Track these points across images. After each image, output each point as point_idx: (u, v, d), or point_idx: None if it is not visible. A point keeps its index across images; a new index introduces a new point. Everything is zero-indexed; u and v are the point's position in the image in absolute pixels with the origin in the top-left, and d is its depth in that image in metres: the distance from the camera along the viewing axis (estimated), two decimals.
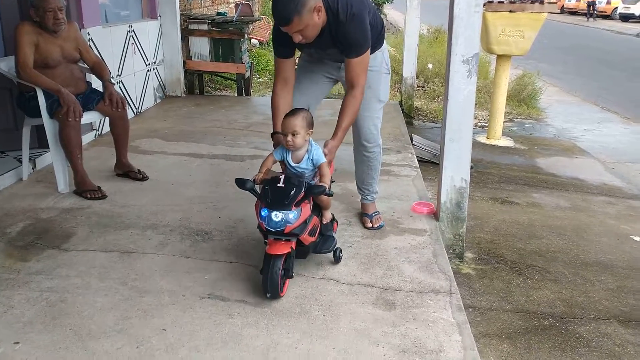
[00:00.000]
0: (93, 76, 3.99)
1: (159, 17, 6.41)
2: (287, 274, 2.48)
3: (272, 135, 2.75)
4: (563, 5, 32.90)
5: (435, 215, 3.42)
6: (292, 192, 2.39)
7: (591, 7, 29.27)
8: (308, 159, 2.58)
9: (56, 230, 3.11)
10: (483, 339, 2.68)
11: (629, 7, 27.85)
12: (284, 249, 2.39)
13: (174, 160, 4.38)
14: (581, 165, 5.93)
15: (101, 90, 3.84)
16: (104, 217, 3.28)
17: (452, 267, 2.90)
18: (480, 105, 8.18)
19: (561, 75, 12.08)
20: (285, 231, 2.37)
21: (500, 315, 2.94)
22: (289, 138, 2.51)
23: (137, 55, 5.83)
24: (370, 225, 3.16)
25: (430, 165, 5.22)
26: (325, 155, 2.61)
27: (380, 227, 3.18)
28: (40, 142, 4.19)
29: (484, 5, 6.10)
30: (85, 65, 3.88)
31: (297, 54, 2.86)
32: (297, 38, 2.49)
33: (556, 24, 25.30)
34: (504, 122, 7.49)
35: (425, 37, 11.48)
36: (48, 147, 4.13)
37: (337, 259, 2.78)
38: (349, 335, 2.25)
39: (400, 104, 6.86)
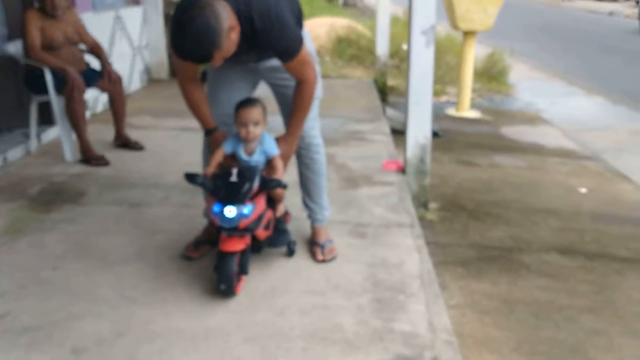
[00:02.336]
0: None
1: (142, 3, 6.77)
2: (243, 270, 2.39)
3: (207, 133, 2.54)
4: None
5: (402, 170, 3.91)
6: (246, 185, 2.30)
7: None
8: (261, 150, 2.45)
9: (70, 190, 3.55)
10: (441, 265, 3.17)
11: None
12: (238, 245, 2.31)
13: (165, 133, 4.81)
14: (542, 132, 6.45)
15: (98, 70, 4.27)
16: (111, 179, 3.72)
17: (417, 215, 3.38)
18: (452, 83, 8.66)
19: (533, 53, 12.60)
20: (240, 227, 2.28)
21: (456, 249, 3.44)
22: (250, 129, 2.37)
23: (124, 40, 6.21)
24: (321, 257, 2.71)
25: (401, 134, 5.69)
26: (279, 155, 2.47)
27: (332, 260, 2.73)
28: (43, 118, 4.57)
29: None
30: (84, 47, 4.29)
31: None
32: (219, 64, 2.15)
33: (531, 4, 25.91)
34: (475, 98, 8.00)
35: (400, 20, 11.89)
36: (51, 124, 4.58)
37: (290, 252, 2.73)
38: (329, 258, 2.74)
39: (375, 81, 7.33)
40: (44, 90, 3.98)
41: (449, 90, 8.35)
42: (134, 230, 2.99)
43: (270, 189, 2.42)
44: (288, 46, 2.29)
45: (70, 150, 4.06)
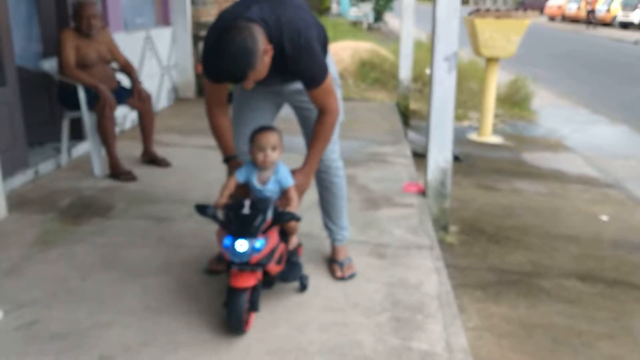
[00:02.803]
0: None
1: (171, 24, 6.97)
2: (253, 306, 2.28)
3: (227, 161, 2.53)
4: (564, 14, 33.53)
5: (423, 193, 3.96)
6: (259, 218, 2.20)
7: (590, 14, 29.80)
8: (275, 180, 2.39)
9: (98, 204, 3.66)
10: (459, 288, 3.20)
11: (628, 15, 28.32)
12: (249, 281, 2.21)
13: (191, 151, 4.92)
14: (564, 159, 6.45)
15: (129, 88, 4.41)
16: (138, 194, 3.83)
17: (437, 237, 3.42)
18: (474, 108, 8.71)
19: (556, 80, 12.61)
20: (251, 262, 2.18)
21: (476, 272, 3.47)
22: (268, 152, 2.32)
23: (153, 60, 6.39)
24: (340, 274, 2.77)
25: (423, 158, 5.74)
26: (295, 186, 2.42)
27: (351, 276, 2.78)
28: (74, 134, 4.72)
29: (474, 13, 6.68)
30: (115, 66, 4.44)
31: None
32: (251, 85, 2.22)
33: (556, 32, 25.92)
34: (497, 123, 8.04)
35: (424, 44, 12.01)
36: (81, 139, 4.72)
37: (302, 287, 2.62)
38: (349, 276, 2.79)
39: (397, 104, 7.41)
40: (76, 106, 4.13)
41: (471, 115, 8.41)
42: (159, 244, 3.08)
43: (283, 222, 2.32)
44: (314, 74, 2.32)
45: (99, 165, 4.18)
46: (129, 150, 4.65)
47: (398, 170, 4.51)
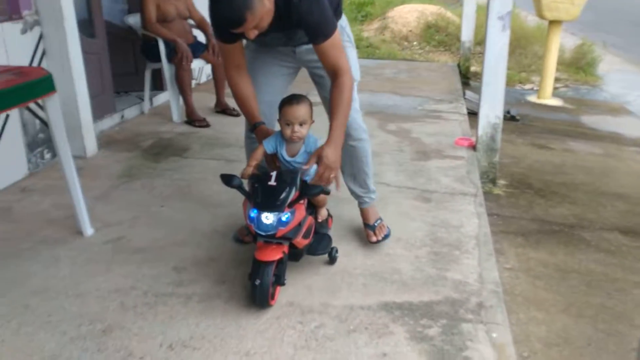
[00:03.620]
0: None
1: None
2: (279, 280, 2.23)
3: (254, 128, 2.39)
4: None
5: (474, 147, 4.16)
6: (285, 191, 2.11)
7: None
8: (305, 151, 2.31)
9: (176, 145, 4.07)
10: (501, 234, 3.42)
11: None
12: (275, 254, 2.15)
13: None
14: (624, 122, 6.41)
15: (204, 43, 4.77)
16: (210, 139, 4.21)
17: (484, 190, 3.63)
18: (538, 72, 8.65)
19: (627, 46, 12.18)
20: (277, 235, 2.11)
21: (519, 221, 3.66)
22: (296, 128, 2.24)
23: None
24: (374, 238, 2.72)
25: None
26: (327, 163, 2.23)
27: (386, 237, 2.76)
28: (154, 84, 5.14)
29: None
30: (192, 22, 4.80)
31: None
32: (253, 34, 2.07)
33: None
34: (560, 87, 8.00)
35: None
36: (161, 89, 5.15)
37: (332, 259, 2.57)
38: (394, 216, 3.06)
39: (458, 65, 7.49)
40: (157, 58, 4.53)
41: (534, 79, 8.37)
42: None
43: (312, 196, 2.24)
44: (320, 25, 2.17)
45: (177, 112, 4.59)
46: (203, 100, 5.04)
47: (452, 126, 4.71)
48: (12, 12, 3.29)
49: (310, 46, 2.32)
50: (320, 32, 2.19)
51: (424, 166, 3.79)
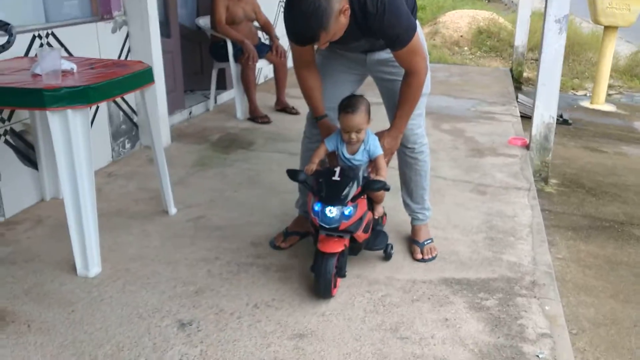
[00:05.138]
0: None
1: None
2: (340, 272, 2.31)
3: (317, 121, 2.51)
4: None
5: (527, 147, 4.31)
6: (349, 186, 2.22)
7: None
8: (364, 150, 2.39)
9: (242, 139, 4.36)
10: (552, 227, 3.58)
11: None
12: (337, 246, 2.23)
13: None
14: None
15: (268, 44, 5.07)
16: (273, 134, 4.49)
17: (537, 188, 3.77)
18: (592, 79, 8.67)
19: None
20: (340, 228, 2.20)
21: (570, 217, 3.81)
22: (353, 136, 2.32)
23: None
24: (420, 256, 2.66)
25: (530, 119, 6.00)
26: (383, 148, 2.41)
27: (432, 259, 2.67)
28: (218, 84, 5.46)
29: None
30: (257, 24, 5.10)
31: None
32: (324, 46, 2.11)
33: None
34: (614, 94, 8.01)
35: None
36: (225, 89, 5.47)
37: (388, 256, 2.64)
38: (451, 206, 3.26)
39: (511, 70, 7.61)
40: (224, 58, 4.84)
41: (588, 85, 8.40)
42: None
43: (374, 190, 2.33)
44: (400, 32, 2.18)
45: (241, 109, 4.89)
46: (264, 99, 5.33)
47: (505, 127, 4.86)
48: (104, 13, 3.65)
49: (381, 57, 2.45)
50: (400, 39, 2.20)
51: (479, 162, 3.97)
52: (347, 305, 2.28)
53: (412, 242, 2.76)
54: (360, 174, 2.30)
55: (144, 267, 2.53)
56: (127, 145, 3.98)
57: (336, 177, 2.24)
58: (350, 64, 2.54)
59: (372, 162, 2.41)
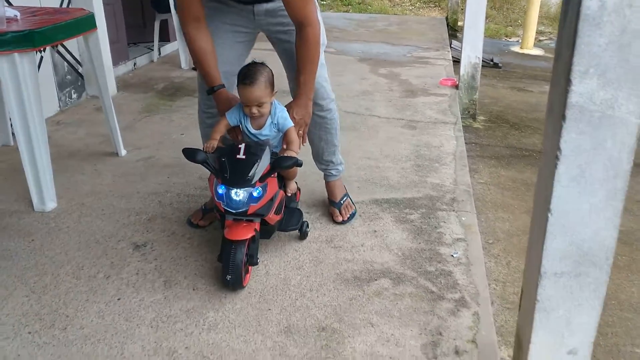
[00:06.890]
0: None
1: None
2: (251, 260, 2.05)
3: (211, 92, 2.15)
4: None
5: (456, 87, 4.62)
6: (256, 165, 1.94)
7: None
8: (272, 123, 2.10)
9: (187, 87, 4.52)
10: (477, 157, 3.92)
11: None
12: (246, 232, 1.97)
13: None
14: None
15: None
16: None
17: (465, 124, 4.11)
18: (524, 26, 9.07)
19: None
20: (249, 212, 1.96)
21: (494, 148, 4.16)
22: (254, 110, 2.02)
23: None
24: (340, 219, 2.53)
25: None
26: (293, 120, 2.13)
27: (352, 216, 2.57)
28: (161, 36, 5.54)
29: None
30: None
31: None
32: None
33: None
34: (545, 39, 8.42)
35: None
36: (168, 41, 5.56)
37: (303, 235, 2.39)
38: (384, 139, 3.55)
39: (447, 18, 7.89)
40: (166, 9, 4.93)
41: (520, 32, 8.78)
42: None
43: (284, 168, 2.05)
44: None
45: (185, 59, 5.02)
46: None
47: (438, 70, 5.16)
48: None
49: (269, 6, 2.17)
50: None
51: (411, 102, 4.26)
52: None
53: (330, 203, 2.62)
54: (269, 149, 2.05)
55: (98, 201, 2.72)
56: (74, 96, 4.09)
57: (241, 155, 1.96)
58: (238, 20, 2.22)
59: (284, 138, 2.15)
